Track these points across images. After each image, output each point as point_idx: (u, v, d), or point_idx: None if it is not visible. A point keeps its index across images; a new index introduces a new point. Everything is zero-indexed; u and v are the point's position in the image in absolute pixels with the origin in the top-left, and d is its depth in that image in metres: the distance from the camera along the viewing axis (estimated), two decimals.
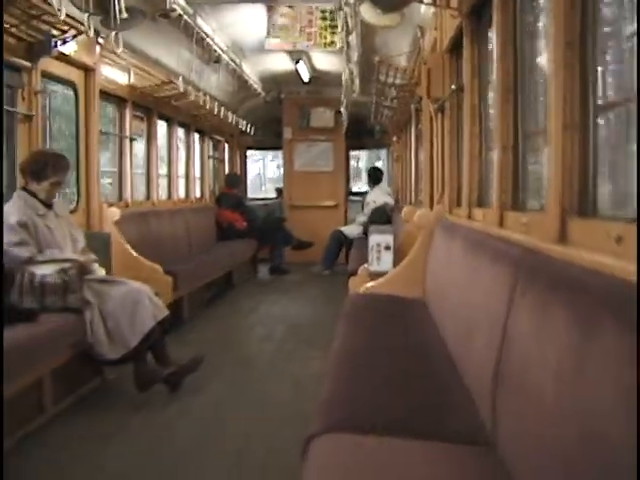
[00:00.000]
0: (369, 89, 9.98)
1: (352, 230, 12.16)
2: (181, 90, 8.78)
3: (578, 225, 2.57)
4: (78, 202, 6.78)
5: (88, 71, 6.87)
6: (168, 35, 8.06)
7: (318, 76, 12.25)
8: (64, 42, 5.90)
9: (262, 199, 15.11)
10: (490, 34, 4.43)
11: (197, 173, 11.87)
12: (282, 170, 14.85)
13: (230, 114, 11.42)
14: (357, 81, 10.08)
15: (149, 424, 4.66)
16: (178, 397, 5.18)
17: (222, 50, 9.29)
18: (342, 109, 12.43)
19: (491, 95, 4.40)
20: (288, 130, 14.03)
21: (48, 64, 6.09)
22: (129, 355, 5.03)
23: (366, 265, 6.72)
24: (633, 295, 1.65)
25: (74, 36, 5.90)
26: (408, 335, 4.33)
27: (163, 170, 10.09)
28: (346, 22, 6.66)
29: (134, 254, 6.95)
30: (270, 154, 14.78)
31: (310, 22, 8.51)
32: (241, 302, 9.77)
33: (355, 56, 8.54)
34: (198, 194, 11.91)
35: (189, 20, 7.67)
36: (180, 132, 10.81)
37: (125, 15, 6.14)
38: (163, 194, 9.99)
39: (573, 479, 1.77)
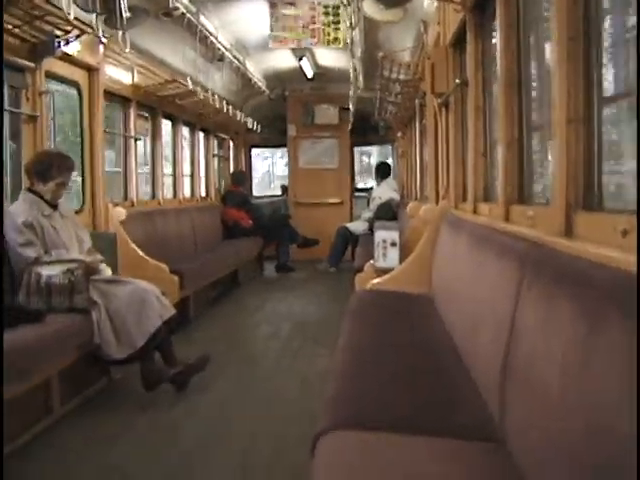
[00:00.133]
0: (373, 85, 9.97)
1: (358, 226, 12.13)
2: (190, 88, 8.78)
3: (584, 218, 2.56)
4: (83, 202, 6.77)
5: (92, 71, 6.86)
6: (171, 34, 8.06)
7: (322, 72, 12.24)
8: (67, 42, 5.89)
9: (267, 197, 15.11)
10: (494, 28, 4.41)
11: (202, 172, 11.87)
12: None
13: (238, 112, 11.42)
14: (361, 77, 10.08)
15: (155, 424, 4.66)
16: (184, 396, 5.18)
17: (225, 48, 9.29)
18: (350, 105, 12.43)
19: (495, 89, 4.38)
20: (292, 127, 14.02)
21: (52, 64, 6.08)
22: (136, 355, 5.03)
23: (372, 261, 6.70)
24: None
25: (77, 36, 5.89)
26: (414, 331, 4.32)
27: (168, 169, 10.09)
28: (349, 18, 6.65)
29: (140, 253, 6.95)
30: (279, 152, 14.72)
31: (313, 18, 8.50)
32: (247, 300, 9.77)
33: (359, 52, 8.53)
34: (203, 193, 11.91)
35: (192, 18, 7.67)
36: (185, 131, 10.81)
37: (129, 14, 6.15)
38: (168, 193, 9.99)
39: (580, 473, 1.77)
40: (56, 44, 5.77)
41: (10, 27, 5.30)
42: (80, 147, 6.87)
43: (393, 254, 6.67)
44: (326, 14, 8.45)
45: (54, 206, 5.30)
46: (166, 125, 9.94)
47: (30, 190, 5.26)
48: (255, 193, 15.62)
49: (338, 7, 8.30)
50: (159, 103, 9.11)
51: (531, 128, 3.68)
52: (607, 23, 2.65)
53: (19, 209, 5.10)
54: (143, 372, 5.10)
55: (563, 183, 2.66)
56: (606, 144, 2.62)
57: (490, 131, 4.75)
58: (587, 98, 2.60)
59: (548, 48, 3.30)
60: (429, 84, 6.29)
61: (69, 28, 5.73)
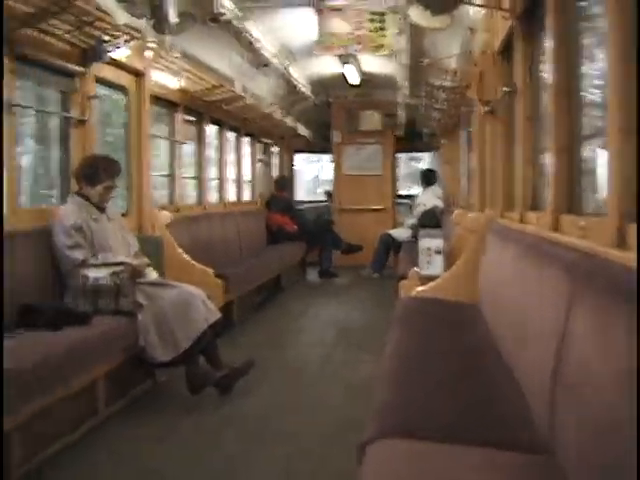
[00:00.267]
0: (418, 91, 9.94)
1: (401, 233, 12.10)
2: (236, 93, 8.82)
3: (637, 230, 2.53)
4: (130, 206, 6.83)
5: (139, 76, 6.93)
6: (218, 39, 8.09)
7: (367, 79, 12.22)
8: (116, 47, 5.94)
9: (311, 202, 15.12)
10: (543, 35, 4.37)
11: (247, 176, 11.92)
12: None
13: (289, 118, 11.46)
14: (406, 84, 10.06)
15: (199, 427, 4.68)
16: (229, 400, 5.19)
17: (271, 54, 9.31)
18: (399, 111, 12.42)
19: (545, 96, 4.34)
20: (337, 133, 14.03)
21: (100, 69, 6.15)
22: (181, 358, 5.06)
23: (416, 269, 6.68)
24: None
25: (126, 41, 5.95)
26: (461, 339, 4.29)
27: (213, 173, 10.14)
28: (395, 25, 6.65)
29: (185, 257, 6.98)
30: (327, 156, 14.72)
31: (359, 25, 8.48)
32: (290, 305, 9.79)
33: (404, 59, 8.52)
34: (248, 197, 11.96)
35: (238, 24, 7.70)
36: (230, 136, 10.86)
37: (177, 20, 6.20)
38: (214, 197, 10.05)
39: None
40: (105, 49, 5.83)
41: (61, 32, 5.37)
42: (126, 151, 6.94)
43: (437, 262, 6.66)
44: (372, 21, 8.43)
45: (102, 209, 5.37)
46: (212, 130, 10.00)
47: (78, 193, 5.34)
48: (303, 197, 15.65)
49: (384, 14, 8.29)
50: (205, 108, 9.17)
51: (582, 136, 3.64)
52: None
53: (68, 212, 5.18)
54: (188, 375, 5.13)
55: (617, 193, 2.63)
56: None
57: (538, 139, 4.71)
58: None
59: (601, 55, 3.27)
60: (476, 92, 6.27)
61: (118, 34, 5.78)
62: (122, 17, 5.48)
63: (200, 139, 9.37)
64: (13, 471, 3.69)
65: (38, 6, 4.81)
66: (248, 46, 8.52)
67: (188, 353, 5.06)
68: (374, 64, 11.12)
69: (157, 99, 7.62)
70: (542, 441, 2.60)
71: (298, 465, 4.09)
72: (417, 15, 6.42)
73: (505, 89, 5.36)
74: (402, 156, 15.81)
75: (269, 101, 10.86)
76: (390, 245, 12.05)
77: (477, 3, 5.59)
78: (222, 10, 7.15)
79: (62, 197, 5.85)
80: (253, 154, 12.29)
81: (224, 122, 10.22)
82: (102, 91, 6.54)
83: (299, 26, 9.08)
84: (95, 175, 5.29)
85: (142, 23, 5.94)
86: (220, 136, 10.34)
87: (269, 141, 13.22)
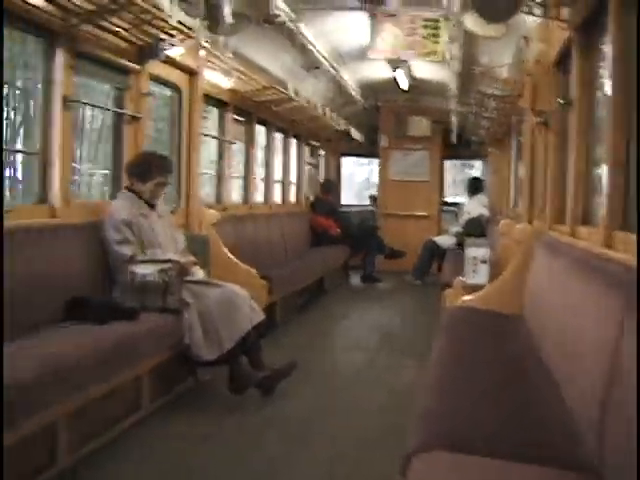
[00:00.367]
0: (467, 99, 9.89)
1: (445, 240, 12.04)
2: (287, 95, 8.85)
3: None
4: (178, 203, 6.87)
5: (192, 74, 6.98)
6: (270, 40, 8.12)
7: (416, 84, 12.18)
8: (172, 46, 5.99)
9: (356, 206, 15.09)
10: (602, 47, 4.33)
11: (293, 178, 11.96)
12: None
13: (342, 121, 11.47)
14: (456, 90, 10.02)
15: (242, 428, 4.69)
16: (271, 401, 5.20)
17: (322, 56, 9.32)
18: (448, 118, 12.38)
19: (602, 110, 4.30)
20: (384, 138, 14.01)
21: (154, 67, 6.21)
22: (224, 357, 5.07)
23: (461, 277, 6.65)
24: None
25: (182, 40, 5.99)
26: (506, 351, 4.27)
27: (260, 174, 10.18)
28: (449, 32, 6.63)
29: (231, 257, 6.99)
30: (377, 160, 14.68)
31: (412, 31, 8.46)
32: (333, 308, 9.80)
33: (456, 66, 8.48)
34: (294, 199, 11.99)
35: (291, 26, 7.72)
36: (278, 137, 10.89)
37: (231, 20, 6.23)
38: (260, 198, 10.09)
39: None
40: (161, 48, 5.88)
41: (119, 30, 5.43)
42: (177, 148, 6.99)
43: (483, 271, 6.62)
44: (425, 27, 8.41)
45: (152, 206, 5.42)
46: (260, 130, 10.04)
47: (129, 189, 5.39)
48: (354, 200, 15.64)
49: (438, 20, 8.27)
50: (255, 108, 9.20)
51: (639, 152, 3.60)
52: None
53: (118, 207, 5.25)
54: (231, 375, 5.15)
55: None
56: None
57: (592, 152, 4.66)
58: None
59: None
60: (529, 102, 6.22)
61: (174, 32, 5.82)
62: (178, 16, 5.53)
63: (248, 139, 9.41)
64: (58, 463, 3.74)
65: (99, 4, 4.86)
66: (300, 48, 8.55)
67: (232, 353, 5.08)
68: (424, 70, 11.09)
69: (208, 98, 7.66)
70: (589, 460, 2.57)
71: (339, 468, 4.09)
72: (472, 23, 6.39)
73: (561, 101, 5.32)
74: (455, 163, 15.72)
75: (318, 103, 10.87)
76: (434, 252, 11.98)
77: (535, 13, 5.54)
78: (276, 12, 7.18)
79: (114, 192, 5.92)
80: (300, 156, 12.31)
81: (273, 123, 10.26)
82: (154, 88, 6.59)
83: (351, 30, 9.08)
84: (147, 171, 5.34)
85: (197, 23, 5.98)
86: (268, 137, 10.37)
87: (316, 143, 13.24)
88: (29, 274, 4.36)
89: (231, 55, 7.05)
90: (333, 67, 10.04)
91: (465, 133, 13.14)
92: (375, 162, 15.05)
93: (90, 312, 4.52)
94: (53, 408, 3.54)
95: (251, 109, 9.14)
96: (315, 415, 5.02)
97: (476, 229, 10.54)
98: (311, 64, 9.54)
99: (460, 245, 10.37)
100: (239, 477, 3.96)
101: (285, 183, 11.40)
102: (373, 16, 8.51)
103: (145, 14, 5.30)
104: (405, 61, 10.39)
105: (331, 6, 8.09)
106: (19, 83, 5.32)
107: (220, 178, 8.47)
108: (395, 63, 10.50)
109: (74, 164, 6.09)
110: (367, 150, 14.70)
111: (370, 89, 12.86)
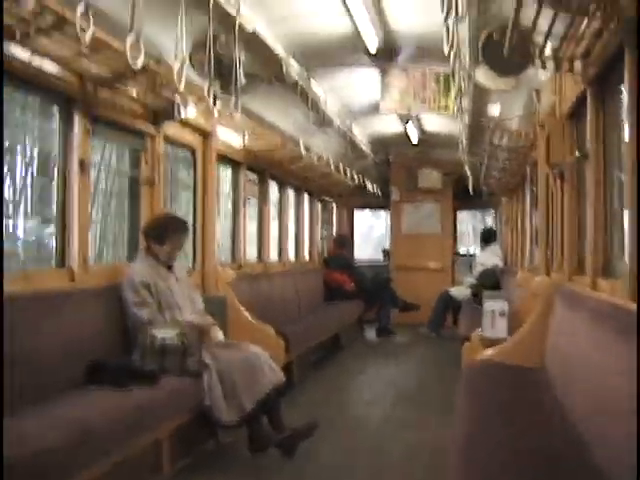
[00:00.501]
0: (478, 150, 9.92)
1: (460, 292, 11.98)
2: (301, 152, 8.90)
3: None
4: (194, 264, 6.88)
5: (206, 135, 7.03)
6: (281, 97, 8.18)
7: (426, 137, 12.25)
8: (186, 108, 6.04)
9: (370, 260, 15.07)
10: (617, 100, 4.35)
11: (306, 234, 11.98)
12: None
13: (349, 176, 11.52)
14: (466, 142, 10.06)
15: None
16: (291, 462, 5.13)
17: (334, 113, 9.38)
18: (459, 170, 12.39)
19: (619, 161, 4.30)
20: (395, 191, 14.07)
21: (169, 129, 6.26)
22: (245, 419, 5.02)
23: (479, 331, 6.61)
24: None
25: (195, 102, 6.04)
26: (532, 408, 4.21)
27: (274, 231, 10.20)
28: (459, 85, 6.66)
29: (247, 316, 6.95)
30: None
31: (424, 85, 8.52)
32: (349, 364, 9.73)
33: (466, 119, 8.52)
34: (307, 255, 12.00)
35: (303, 84, 7.79)
36: (291, 194, 10.94)
37: (244, 80, 6.28)
38: (274, 255, 10.09)
39: None
40: (176, 110, 5.94)
41: (134, 94, 5.49)
42: (192, 209, 7.02)
43: (502, 324, 6.57)
44: (437, 81, 8.48)
45: (169, 267, 5.43)
46: (273, 187, 10.08)
47: (147, 251, 5.41)
48: (372, 255, 15.61)
49: (449, 75, 8.32)
50: (268, 166, 9.25)
51: None
52: None
53: (136, 269, 5.27)
54: (251, 436, 5.11)
55: None
56: None
57: (611, 203, 4.65)
58: None
59: None
60: (543, 154, 6.23)
61: (187, 95, 5.87)
62: (191, 78, 5.58)
63: (261, 197, 9.45)
64: None
65: (115, 70, 4.92)
66: (311, 104, 8.61)
67: (252, 414, 5.03)
68: (434, 123, 11.16)
69: (221, 157, 7.71)
70: None
71: None
72: (483, 76, 6.43)
73: (576, 154, 5.33)
74: (475, 212, 15.75)
75: (329, 159, 10.92)
76: (449, 304, 11.93)
77: (548, 67, 5.57)
78: (288, 70, 7.25)
79: (130, 254, 5.94)
80: (313, 212, 12.36)
81: (285, 180, 10.30)
82: (171, 150, 6.66)
83: (361, 85, 9.16)
84: (163, 234, 5.37)
85: (209, 84, 6.04)
86: (281, 194, 10.42)
87: (328, 199, 13.29)
88: (51, 338, 4.38)
89: (243, 115, 7.10)
90: (344, 123, 10.10)
91: (476, 184, 13.16)
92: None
93: (110, 376, 4.50)
94: (81, 474, 3.51)
95: (264, 167, 9.19)
96: (335, 475, 4.96)
97: (491, 280, 10.52)
98: (322, 120, 9.59)
99: (475, 296, 10.34)
100: None
101: (299, 239, 11.41)
102: (384, 71, 8.58)
103: (159, 78, 5.35)
104: (415, 115, 10.46)
105: (342, 63, 8.17)
106: (35, 148, 5.33)
107: (235, 237, 8.48)
108: (406, 117, 10.57)
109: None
110: (380, 203, 14.72)
111: (381, 143, 12.94)
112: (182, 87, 5.52)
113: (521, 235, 10.42)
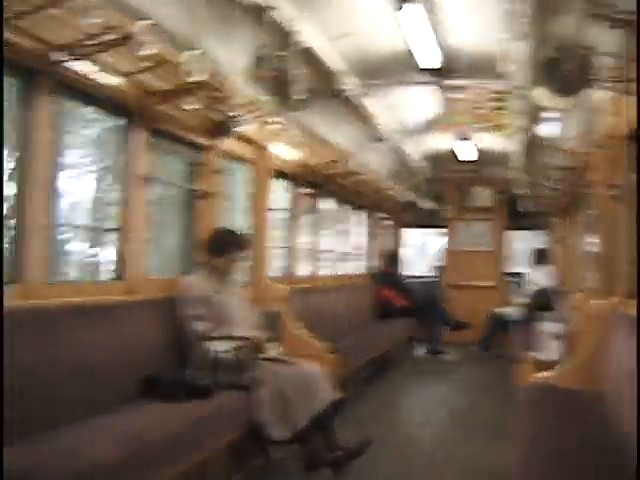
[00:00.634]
0: (531, 169, 9.86)
1: (511, 312, 11.87)
2: (355, 168, 8.91)
3: None
4: (248, 278, 6.91)
5: (262, 149, 7.06)
6: (335, 113, 8.20)
7: (479, 155, 12.20)
8: (243, 123, 6.08)
9: (421, 277, 14.99)
10: None
11: (357, 249, 11.98)
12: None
13: (401, 193, 11.53)
14: (519, 161, 10.00)
15: None
16: None
17: (387, 129, 9.38)
18: (511, 188, 12.32)
19: None
20: (448, 208, 14.02)
21: (225, 142, 6.30)
22: (297, 436, 4.98)
23: (533, 353, 6.55)
24: None
25: (252, 117, 6.08)
26: (593, 434, 4.14)
27: (325, 246, 10.22)
28: (516, 104, 6.63)
29: (301, 331, 6.96)
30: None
31: (479, 104, 8.50)
32: (400, 381, 9.69)
33: (521, 137, 8.47)
34: (358, 270, 11.99)
35: (359, 99, 7.80)
36: (344, 209, 10.96)
37: (301, 96, 6.31)
38: (326, 270, 10.10)
39: None
40: (234, 124, 5.98)
41: (192, 108, 5.54)
42: (246, 223, 7.06)
43: (556, 346, 6.51)
44: (493, 100, 8.44)
45: (226, 282, 5.45)
46: (326, 202, 10.11)
47: (204, 265, 5.44)
48: (425, 271, 15.54)
49: (505, 93, 8.28)
50: (322, 181, 9.27)
51: None
52: None
53: (192, 283, 5.30)
54: (303, 454, 5.08)
55: None
56: None
57: None
58: None
59: None
60: (602, 175, 6.16)
61: (244, 109, 5.92)
62: (249, 93, 5.62)
63: (315, 212, 9.47)
64: None
65: (175, 84, 4.98)
66: (365, 120, 8.62)
67: (305, 432, 4.98)
68: (488, 141, 11.10)
69: (277, 172, 7.74)
70: None
71: None
72: (541, 95, 6.38)
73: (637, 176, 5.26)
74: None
75: (382, 175, 10.92)
76: (499, 323, 11.83)
77: (611, 87, 5.51)
78: (346, 87, 7.27)
79: (184, 267, 5.99)
80: (366, 228, 12.36)
81: (338, 195, 10.32)
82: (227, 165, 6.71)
83: (416, 102, 9.15)
84: (221, 248, 5.41)
85: (267, 99, 6.08)
86: (333, 209, 10.44)
87: (380, 215, 13.28)
88: (107, 350, 4.41)
89: (298, 129, 7.13)
90: (397, 139, 10.10)
91: (529, 203, 13.06)
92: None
93: (164, 390, 4.51)
94: None
95: (318, 182, 9.21)
96: None
97: (543, 301, 10.40)
98: (376, 136, 9.60)
99: (527, 316, 10.24)
100: None
101: (349, 255, 11.41)
102: (439, 89, 8.56)
103: (217, 92, 5.40)
104: (469, 133, 10.43)
105: (398, 80, 8.16)
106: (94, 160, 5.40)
107: (290, 251, 8.51)
108: (460, 135, 10.55)
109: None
110: (431, 221, 14.65)
111: (433, 160, 12.90)
112: (240, 101, 5.63)
113: (574, 256, 10.30)
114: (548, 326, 6.59)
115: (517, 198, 13.00)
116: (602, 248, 6.72)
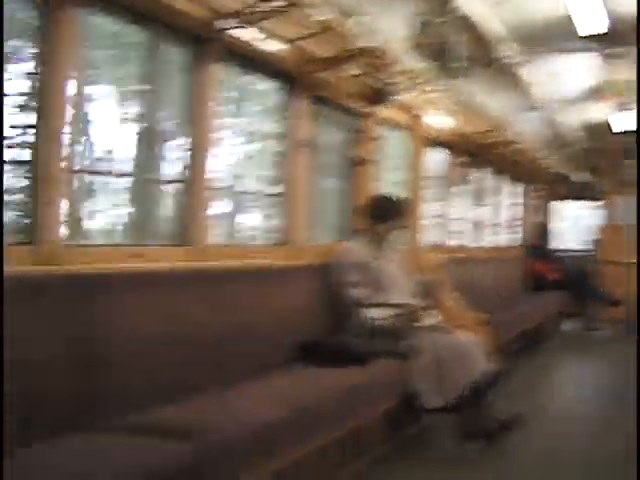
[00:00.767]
0: None
1: None
2: (512, 138, 8.75)
3: None
4: (406, 246, 6.88)
5: (417, 117, 7.01)
6: (491, 81, 8.04)
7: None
8: (402, 90, 6.04)
9: (574, 251, 14.56)
10: None
11: (509, 221, 11.81)
12: None
13: (561, 163, 11.27)
14: None
15: None
16: (493, 456, 4.93)
17: (545, 98, 9.15)
18: None
19: None
20: (604, 181, 13.57)
21: (383, 110, 6.28)
22: (453, 405, 4.92)
23: None
24: None
25: (412, 85, 6.03)
26: None
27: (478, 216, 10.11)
28: None
29: (456, 301, 6.88)
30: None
31: None
32: (550, 356, 9.48)
33: None
34: (509, 242, 11.80)
35: (517, 67, 7.62)
36: (498, 179, 10.79)
37: (462, 64, 6.22)
38: (476, 240, 9.99)
39: None
40: (393, 92, 5.95)
41: (352, 75, 5.54)
42: (402, 191, 7.03)
43: None
44: None
45: (385, 249, 5.44)
46: (480, 172, 9.97)
47: (363, 231, 5.45)
48: (578, 245, 15.15)
49: None
50: (477, 150, 9.13)
51: None
52: None
53: (352, 248, 5.32)
54: (459, 423, 5.03)
55: None
56: None
57: None
58: None
59: None
60: None
61: (404, 77, 5.88)
62: (409, 61, 5.59)
63: (468, 181, 9.35)
64: None
65: (337, 51, 5.00)
66: (521, 89, 8.43)
67: (460, 401, 4.93)
68: None
69: (431, 140, 7.67)
70: None
71: None
72: None
73: None
74: None
75: (535, 145, 10.67)
76: None
77: None
78: (504, 54, 7.12)
79: (341, 233, 6.01)
80: (519, 199, 12.14)
81: (493, 165, 10.15)
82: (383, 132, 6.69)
83: (576, 72, 8.87)
84: (383, 214, 5.40)
85: (427, 67, 6.02)
86: (488, 179, 10.29)
87: (532, 186, 13.01)
88: (265, 313, 4.50)
89: (455, 97, 7.04)
90: (554, 108, 9.83)
91: None
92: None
93: (322, 355, 4.54)
94: (296, 449, 3.55)
95: (473, 151, 9.08)
96: (549, 471, 4.76)
97: None
98: (531, 105, 9.37)
99: None
100: None
101: (500, 225, 11.24)
102: (602, 57, 8.26)
103: (378, 59, 5.38)
104: (631, 103, 10.04)
105: (558, 47, 7.92)
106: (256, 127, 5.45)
107: (442, 221, 8.45)
108: (620, 106, 10.17)
109: None
110: (584, 194, 14.21)
111: (590, 131, 12.48)
112: (399, 69, 5.60)
113: None
114: None
115: None
116: None
